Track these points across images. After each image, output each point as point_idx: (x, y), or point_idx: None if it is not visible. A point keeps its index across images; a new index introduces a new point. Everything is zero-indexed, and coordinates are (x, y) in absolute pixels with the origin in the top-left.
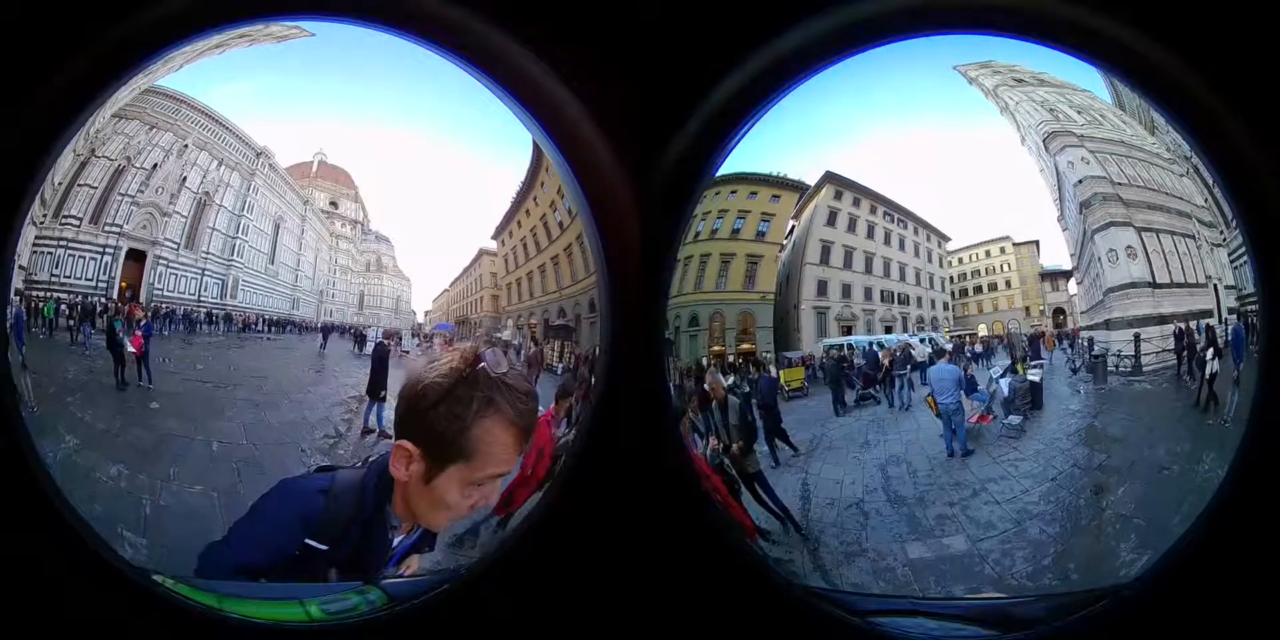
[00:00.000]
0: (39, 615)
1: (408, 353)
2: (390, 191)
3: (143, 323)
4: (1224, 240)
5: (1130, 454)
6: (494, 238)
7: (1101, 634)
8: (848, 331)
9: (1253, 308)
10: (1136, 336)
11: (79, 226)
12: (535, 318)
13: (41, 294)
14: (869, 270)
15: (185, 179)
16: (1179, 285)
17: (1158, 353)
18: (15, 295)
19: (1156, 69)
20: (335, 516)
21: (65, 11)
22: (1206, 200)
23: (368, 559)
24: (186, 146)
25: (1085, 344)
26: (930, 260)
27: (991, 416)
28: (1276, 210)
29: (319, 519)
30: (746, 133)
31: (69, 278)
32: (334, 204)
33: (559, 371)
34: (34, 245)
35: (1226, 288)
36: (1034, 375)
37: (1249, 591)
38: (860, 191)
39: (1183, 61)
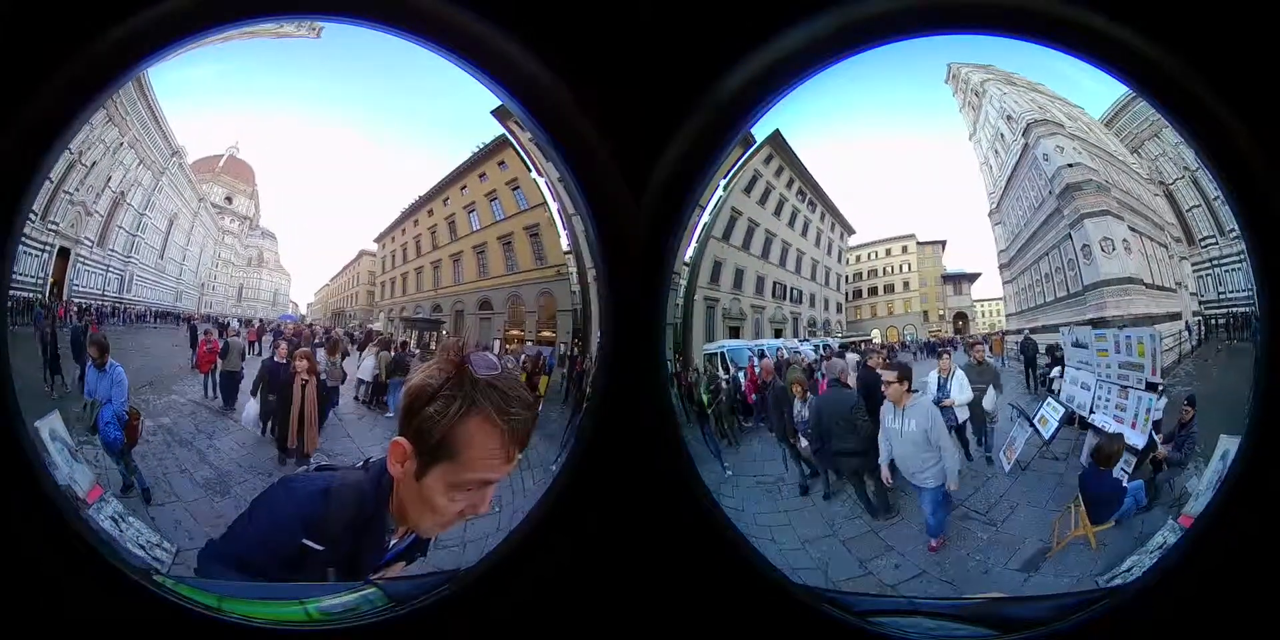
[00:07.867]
0: (39, 615)
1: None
2: (290, 189)
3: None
4: (1189, 255)
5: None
6: (376, 240)
7: (1101, 634)
8: (735, 333)
9: (1214, 311)
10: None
11: (33, 223)
12: (408, 311)
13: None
14: (765, 255)
15: (110, 178)
16: (1159, 288)
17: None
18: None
19: (1157, 68)
20: (335, 518)
21: (65, 11)
22: (1175, 221)
23: (362, 560)
24: (123, 144)
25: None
26: (830, 253)
27: None
28: (1277, 210)
29: (318, 520)
30: (746, 132)
31: (22, 275)
32: (229, 199)
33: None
34: None
35: (1190, 294)
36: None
37: (1248, 591)
38: (787, 160)
39: (1184, 61)
